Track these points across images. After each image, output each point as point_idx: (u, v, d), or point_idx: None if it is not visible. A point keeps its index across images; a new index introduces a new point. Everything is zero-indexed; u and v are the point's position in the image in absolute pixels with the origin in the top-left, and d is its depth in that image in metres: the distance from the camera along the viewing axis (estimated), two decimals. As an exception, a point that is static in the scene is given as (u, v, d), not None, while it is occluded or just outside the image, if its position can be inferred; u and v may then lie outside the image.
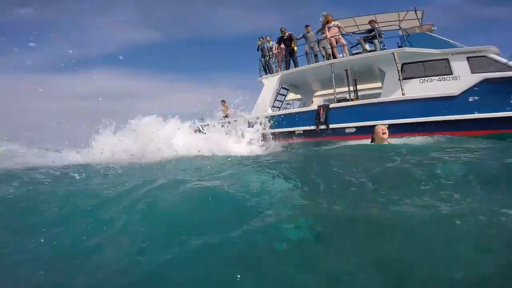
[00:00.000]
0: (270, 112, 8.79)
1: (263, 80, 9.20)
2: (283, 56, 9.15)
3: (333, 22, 8.11)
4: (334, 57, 7.92)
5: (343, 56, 7.98)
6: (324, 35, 8.13)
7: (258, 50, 9.73)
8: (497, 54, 6.21)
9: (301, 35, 8.93)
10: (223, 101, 10.97)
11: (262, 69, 9.62)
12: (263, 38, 9.67)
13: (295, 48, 9.04)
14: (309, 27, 8.70)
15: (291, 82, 9.81)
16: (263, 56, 9.56)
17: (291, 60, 9.07)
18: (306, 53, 8.77)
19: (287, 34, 9.12)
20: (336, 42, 8.00)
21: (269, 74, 9.25)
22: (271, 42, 9.56)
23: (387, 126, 6.24)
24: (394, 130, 6.33)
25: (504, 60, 5.95)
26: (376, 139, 3.47)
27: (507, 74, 5.68)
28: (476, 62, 6.24)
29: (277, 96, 9.60)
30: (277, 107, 10.17)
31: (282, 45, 9.22)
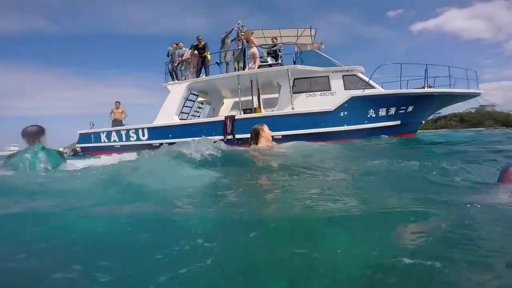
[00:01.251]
0: (176, 120, 8.74)
1: (169, 87, 8.95)
2: (195, 64, 9.05)
3: (253, 40, 8.49)
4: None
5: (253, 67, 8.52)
6: (240, 47, 8.60)
7: (167, 56, 9.37)
8: (363, 73, 7.87)
9: (223, 37, 8.91)
10: (117, 102, 9.93)
11: (169, 74, 9.26)
12: (176, 44, 9.35)
13: (209, 56, 9.04)
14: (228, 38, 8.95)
15: (201, 89, 9.91)
16: (172, 61, 9.23)
17: (203, 68, 9.05)
18: (219, 61, 8.95)
19: (203, 43, 9.02)
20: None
21: (176, 81, 9.04)
22: (183, 49, 9.34)
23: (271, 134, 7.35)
24: (286, 139, 7.42)
25: (366, 79, 7.59)
26: (262, 141, 3.19)
27: (365, 93, 7.33)
28: (348, 80, 7.77)
29: (185, 103, 9.53)
30: (185, 113, 10.13)
31: (195, 53, 9.10)
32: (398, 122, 7.35)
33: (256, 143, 3.16)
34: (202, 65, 9.03)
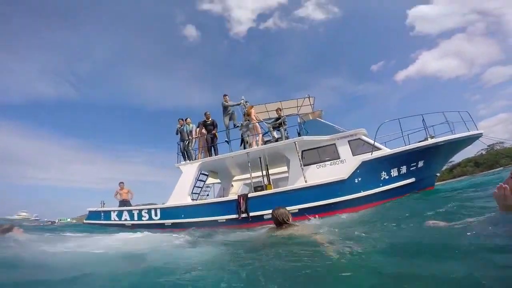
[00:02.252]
0: (189, 201, 8.70)
1: (181, 167, 9.14)
2: (204, 142, 9.35)
3: (253, 114, 9.05)
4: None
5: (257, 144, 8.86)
6: (247, 124, 9.04)
7: (177, 133, 9.60)
8: (366, 135, 8.07)
9: (226, 104, 9.31)
10: (121, 183, 10.02)
11: (181, 154, 9.52)
12: (182, 120, 9.64)
13: (217, 135, 9.41)
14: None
15: (211, 168, 10.12)
16: (182, 140, 9.48)
17: (212, 146, 9.33)
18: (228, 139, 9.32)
19: (210, 119, 9.44)
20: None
21: (188, 161, 9.28)
22: (191, 125, 9.62)
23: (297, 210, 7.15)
24: (302, 212, 7.22)
25: (371, 141, 7.71)
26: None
27: (374, 156, 7.38)
28: (354, 145, 7.91)
29: (196, 183, 9.63)
30: (196, 193, 10.13)
31: (204, 130, 9.44)
32: (413, 180, 7.25)
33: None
34: (211, 144, 9.29)
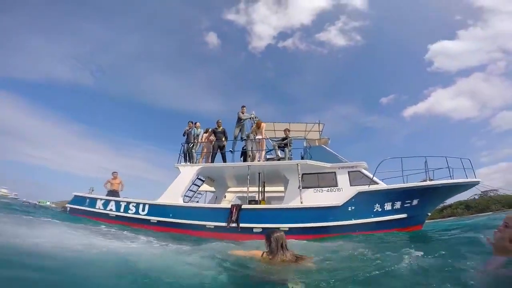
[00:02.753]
0: (180, 201, 8.56)
1: (180, 167, 9.08)
2: (209, 148, 9.42)
3: (263, 129, 9.24)
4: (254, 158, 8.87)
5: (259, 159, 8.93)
6: (253, 136, 9.19)
7: (184, 135, 9.65)
8: (366, 169, 8.17)
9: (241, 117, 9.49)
10: (115, 172, 9.92)
11: (182, 155, 9.50)
12: (192, 123, 9.72)
13: (225, 143, 9.49)
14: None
15: (209, 175, 10.08)
16: (187, 142, 9.50)
17: (220, 153, 9.36)
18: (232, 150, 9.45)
19: (221, 128, 9.58)
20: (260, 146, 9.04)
21: (188, 163, 9.27)
22: (199, 129, 9.72)
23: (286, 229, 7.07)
24: (293, 232, 7.13)
25: (370, 175, 7.83)
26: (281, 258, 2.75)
27: (371, 189, 7.48)
28: (353, 176, 8.02)
29: (191, 186, 9.54)
30: (188, 196, 9.98)
31: (212, 137, 9.55)
32: (405, 216, 7.29)
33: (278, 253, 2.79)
34: (217, 150, 9.34)
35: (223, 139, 9.50)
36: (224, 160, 9.38)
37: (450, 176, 7.46)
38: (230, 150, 9.47)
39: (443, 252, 3.32)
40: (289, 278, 2.48)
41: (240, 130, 9.62)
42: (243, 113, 9.71)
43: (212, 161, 9.28)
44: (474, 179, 7.65)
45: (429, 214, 8.29)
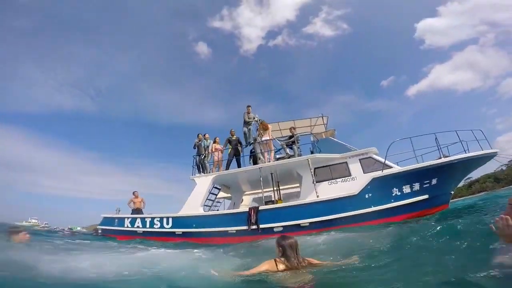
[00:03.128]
0: (201, 211, 8.86)
1: (195, 179, 9.40)
2: (219, 157, 9.75)
3: (270, 130, 9.38)
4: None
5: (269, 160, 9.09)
6: (260, 138, 9.38)
7: (194, 147, 10.00)
8: (377, 154, 8.15)
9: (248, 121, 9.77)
10: (136, 192, 10.45)
11: (196, 167, 9.85)
12: (201, 135, 10.07)
13: (240, 150, 9.76)
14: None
15: (224, 182, 10.34)
16: (199, 154, 9.84)
17: (235, 159, 9.62)
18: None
19: (235, 136, 9.90)
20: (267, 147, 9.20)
21: (202, 173, 9.58)
22: (208, 140, 10.03)
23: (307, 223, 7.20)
24: (313, 226, 7.25)
25: (382, 160, 7.79)
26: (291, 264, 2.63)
27: (385, 173, 7.43)
28: (365, 163, 8.02)
29: (209, 195, 9.83)
30: (207, 206, 10.28)
31: (218, 146, 9.91)
32: (426, 196, 7.17)
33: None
34: (233, 157, 9.60)
35: (238, 146, 9.79)
36: (239, 166, 9.62)
37: (465, 150, 7.31)
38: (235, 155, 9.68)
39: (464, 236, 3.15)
40: (315, 280, 2.43)
41: (248, 132, 9.85)
42: (248, 113, 9.96)
43: (228, 168, 9.56)
44: (491, 150, 7.42)
45: (452, 192, 8.09)
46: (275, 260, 2.66)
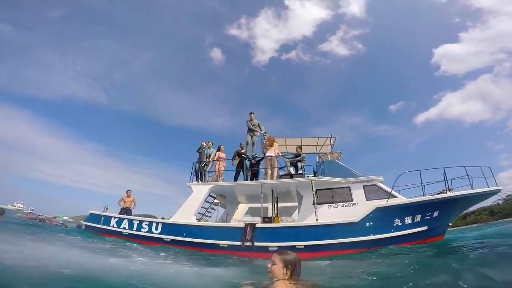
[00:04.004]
0: (194, 220, 8.52)
1: (192, 187, 9.07)
2: (220, 167, 9.50)
3: (275, 147, 9.14)
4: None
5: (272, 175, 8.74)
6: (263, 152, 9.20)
7: (197, 151, 9.77)
8: (382, 182, 7.94)
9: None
10: (129, 191, 10.12)
11: (194, 173, 9.50)
12: (205, 143, 9.84)
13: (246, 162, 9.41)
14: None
15: (221, 192, 10.02)
16: (199, 161, 9.57)
17: (241, 171, 9.29)
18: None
19: (244, 150, 9.67)
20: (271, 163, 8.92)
21: (200, 182, 9.28)
22: (211, 149, 9.81)
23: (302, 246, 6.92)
24: (308, 249, 6.97)
25: (388, 189, 7.60)
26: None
27: (390, 204, 7.24)
28: (369, 190, 7.80)
29: (203, 203, 9.49)
30: (200, 213, 9.93)
31: (221, 155, 9.72)
32: (425, 228, 7.05)
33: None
34: (241, 169, 9.33)
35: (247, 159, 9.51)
36: (236, 179, 9.36)
37: (470, 185, 7.20)
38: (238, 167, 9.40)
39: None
40: None
41: (251, 140, 9.64)
42: (251, 119, 9.81)
43: (236, 179, 9.33)
44: (495, 187, 7.36)
45: (450, 224, 7.97)
46: (288, 280, 2.07)
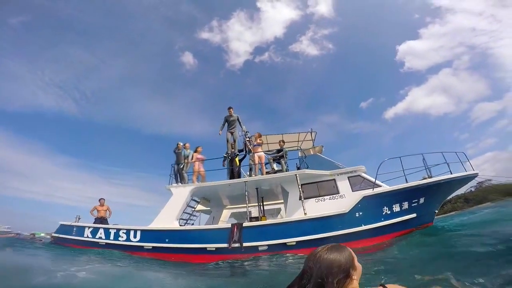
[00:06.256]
0: (176, 225, 7.99)
1: (172, 189, 8.57)
2: (199, 167, 9.10)
3: (258, 140, 8.94)
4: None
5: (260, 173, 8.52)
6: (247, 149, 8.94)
7: (174, 152, 9.34)
8: (365, 172, 7.95)
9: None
10: (102, 199, 9.42)
11: (173, 176, 9.03)
12: (181, 144, 9.41)
13: (237, 161, 9.12)
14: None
15: (204, 195, 9.55)
16: (178, 163, 9.15)
17: (232, 171, 8.94)
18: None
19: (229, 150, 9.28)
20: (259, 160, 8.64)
21: (180, 184, 8.80)
22: (188, 150, 9.42)
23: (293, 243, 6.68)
24: (300, 245, 6.74)
25: (372, 179, 7.60)
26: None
27: (376, 192, 7.24)
28: (354, 181, 7.78)
29: (186, 208, 8.97)
30: (183, 219, 9.38)
31: (199, 156, 9.31)
32: (415, 215, 7.11)
33: None
34: (231, 167, 8.97)
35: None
36: (239, 176, 8.96)
37: (450, 171, 7.40)
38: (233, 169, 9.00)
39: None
40: None
41: (232, 137, 9.36)
42: (230, 115, 9.56)
43: (239, 176, 8.93)
44: (473, 172, 7.63)
45: (437, 211, 8.07)
46: None
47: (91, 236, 8.10)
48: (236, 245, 7.01)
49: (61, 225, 8.70)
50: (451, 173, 7.38)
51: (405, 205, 7.14)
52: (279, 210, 11.75)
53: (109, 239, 7.89)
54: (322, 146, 9.70)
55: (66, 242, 8.26)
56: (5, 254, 6.44)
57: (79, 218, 8.80)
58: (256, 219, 8.34)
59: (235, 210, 11.42)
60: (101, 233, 8.07)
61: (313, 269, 1.08)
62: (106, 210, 9.19)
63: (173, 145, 9.50)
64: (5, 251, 6.92)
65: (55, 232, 8.66)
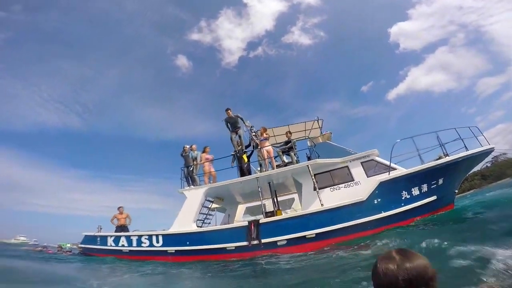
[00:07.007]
0: (194, 227, 8.09)
1: (185, 192, 8.62)
2: (210, 168, 9.07)
3: (264, 135, 8.83)
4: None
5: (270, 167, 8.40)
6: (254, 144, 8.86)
7: (182, 156, 9.35)
8: (378, 156, 7.74)
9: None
10: (121, 207, 9.58)
11: (184, 179, 9.07)
12: (187, 147, 9.42)
13: (245, 158, 9.07)
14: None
15: (216, 194, 9.59)
16: (186, 166, 9.16)
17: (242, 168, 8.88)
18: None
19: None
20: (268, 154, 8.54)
21: (192, 186, 8.82)
22: (195, 152, 9.39)
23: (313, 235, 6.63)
24: (320, 237, 6.70)
25: (387, 163, 7.33)
26: None
27: (393, 176, 7.00)
28: (367, 166, 7.56)
29: (201, 209, 9.04)
30: (200, 220, 9.49)
31: (208, 156, 9.26)
32: (435, 197, 6.87)
33: None
34: (240, 164, 8.93)
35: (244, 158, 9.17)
36: (249, 173, 8.91)
37: (465, 147, 7.09)
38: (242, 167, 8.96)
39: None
40: None
41: (239, 138, 9.25)
42: (229, 116, 9.42)
43: (250, 173, 8.87)
44: (488, 146, 7.26)
45: (456, 191, 7.82)
46: None
47: (114, 245, 8.34)
48: (255, 242, 7.05)
49: (85, 236, 9.01)
50: (467, 149, 7.07)
51: (424, 187, 6.90)
52: (292, 200, 11.71)
53: (132, 246, 8.10)
54: (331, 133, 9.48)
55: (93, 252, 8.58)
56: (56, 268, 7.01)
57: (101, 228, 9.09)
58: (272, 213, 8.32)
59: (249, 205, 11.44)
60: (123, 241, 8.29)
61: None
62: (125, 218, 9.41)
63: (179, 148, 9.53)
64: (52, 265, 7.56)
65: (81, 243, 9.00)
